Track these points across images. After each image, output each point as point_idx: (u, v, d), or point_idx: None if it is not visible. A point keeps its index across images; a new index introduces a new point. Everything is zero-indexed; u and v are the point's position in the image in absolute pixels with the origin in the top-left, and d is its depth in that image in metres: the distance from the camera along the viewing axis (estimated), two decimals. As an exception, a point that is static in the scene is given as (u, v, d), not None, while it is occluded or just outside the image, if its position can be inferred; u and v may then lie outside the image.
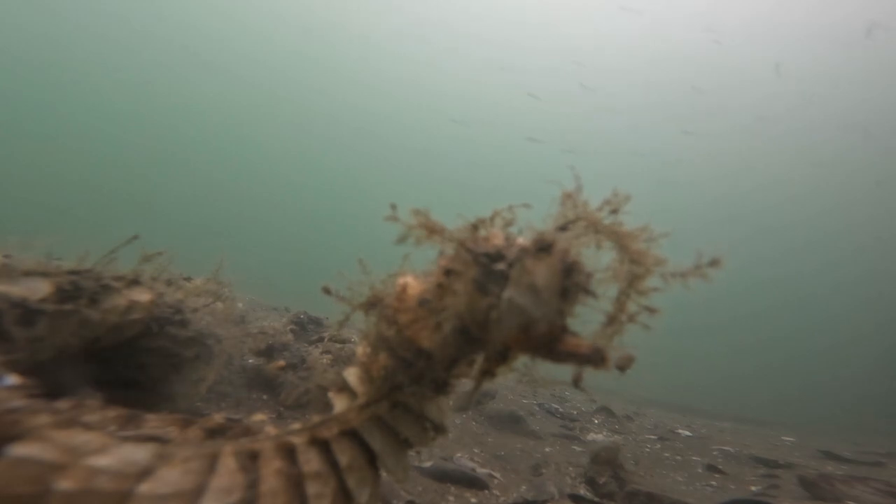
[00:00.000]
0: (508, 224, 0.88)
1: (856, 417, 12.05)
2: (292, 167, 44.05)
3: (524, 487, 2.55)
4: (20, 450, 0.77)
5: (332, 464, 0.93)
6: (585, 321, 0.82)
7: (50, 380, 1.04)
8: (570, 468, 3.02)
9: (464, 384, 0.99)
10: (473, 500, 2.28)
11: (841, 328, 34.09)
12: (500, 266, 0.80)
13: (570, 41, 32.34)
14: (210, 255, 2.51)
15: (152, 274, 1.89)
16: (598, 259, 0.80)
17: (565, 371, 0.82)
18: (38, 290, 1.44)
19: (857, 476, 2.95)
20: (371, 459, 0.98)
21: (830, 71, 27.30)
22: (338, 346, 3.11)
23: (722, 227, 35.02)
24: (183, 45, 35.85)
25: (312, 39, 36.25)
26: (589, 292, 0.79)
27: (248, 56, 36.92)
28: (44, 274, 1.51)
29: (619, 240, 0.80)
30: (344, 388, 1.06)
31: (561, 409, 5.03)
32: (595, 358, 0.78)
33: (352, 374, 1.06)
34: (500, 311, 0.79)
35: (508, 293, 0.78)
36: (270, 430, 0.98)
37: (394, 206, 0.89)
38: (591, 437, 4.22)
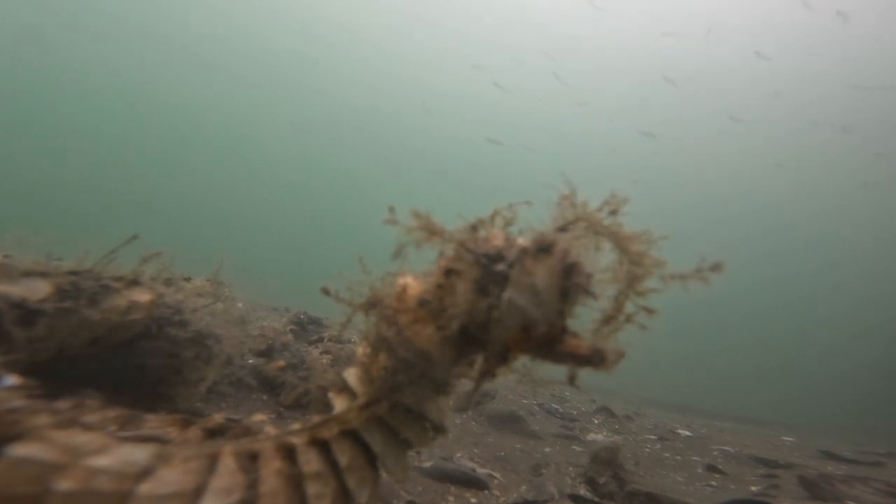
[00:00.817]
0: (508, 224, 0.88)
1: (856, 417, 12.06)
2: (292, 167, 44.06)
3: (524, 487, 2.55)
4: (20, 450, 0.77)
5: (332, 464, 0.93)
6: (584, 321, 0.82)
7: (50, 380, 1.04)
8: (570, 468, 3.02)
9: (464, 384, 0.99)
10: (473, 500, 2.28)
11: (841, 328, 34.11)
12: (501, 267, 0.80)
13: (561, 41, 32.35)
14: (210, 255, 2.51)
15: (152, 274, 1.89)
16: (597, 260, 0.80)
17: (565, 371, 0.83)
18: (38, 290, 1.44)
19: (857, 476, 2.94)
20: (371, 460, 0.98)
21: (811, 71, 27.34)
22: (338, 346, 3.11)
23: (722, 227, 35.06)
24: (183, 45, 35.87)
25: (312, 39, 36.25)
26: (589, 293, 0.79)
27: (247, 56, 36.94)
28: (44, 274, 1.51)
29: (619, 241, 0.80)
30: (344, 388, 1.06)
31: (561, 409, 5.02)
32: (595, 358, 0.78)
33: (352, 375, 1.06)
34: (500, 311, 0.79)
35: (508, 294, 0.78)
36: (270, 430, 0.98)
37: (392, 209, 0.89)
38: (591, 437, 4.22)
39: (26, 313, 1.39)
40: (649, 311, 0.79)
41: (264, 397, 2.86)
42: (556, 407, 5.06)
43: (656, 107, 30.67)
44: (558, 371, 0.82)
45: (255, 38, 36.12)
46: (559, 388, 6.14)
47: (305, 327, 3.93)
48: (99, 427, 0.90)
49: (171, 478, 0.80)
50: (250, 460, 0.88)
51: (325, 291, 1.02)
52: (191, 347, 2.01)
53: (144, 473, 0.79)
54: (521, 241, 0.83)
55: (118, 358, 1.82)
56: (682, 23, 27.59)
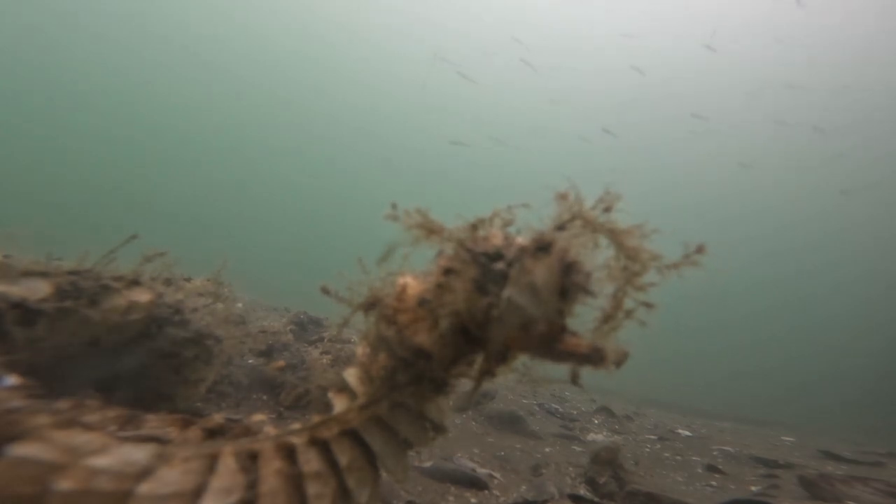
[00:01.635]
0: (507, 224, 0.88)
1: (856, 417, 12.05)
2: (292, 167, 44.05)
3: (524, 487, 2.55)
4: (20, 450, 0.77)
5: (332, 464, 0.93)
6: (584, 319, 0.82)
7: (50, 380, 1.04)
8: (570, 468, 3.02)
9: (464, 384, 0.98)
10: (473, 500, 2.28)
11: (840, 328, 34.10)
12: (500, 266, 0.80)
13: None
14: (210, 255, 2.51)
15: (152, 274, 1.89)
16: (594, 257, 0.80)
17: (564, 370, 0.83)
18: (37, 290, 1.44)
19: (857, 476, 2.94)
20: (371, 459, 0.98)
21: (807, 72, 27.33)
22: (337, 346, 3.11)
23: (722, 227, 35.05)
24: (183, 45, 35.89)
25: (312, 39, 36.27)
26: (588, 291, 0.79)
27: (247, 56, 36.94)
28: (43, 274, 1.51)
29: (616, 237, 0.80)
30: (344, 388, 1.06)
31: (561, 409, 5.02)
32: (595, 357, 0.78)
33: (351, 375, 1.06)
34: (499, 310, 0.79)
35: (508, 293, 0.78)
36: (270, 430, 0.98)
37: (394, 205, 0.89)
38: (591, 437, 4.22)
39: (26, 313, 1.39)
40: (648, 305, 0.80)
41: (264, 397, 2.86)
42: (556, 407, 5.06)
43: (658, 107, 30.68)
44: (558, 370, 0.82)
45: (255, 39, 36.14)
46: (559, 388, 6.14)
47: (305, 327, 3.93)
48: (99, 427, 0.90)
49: (171, 478, 0.80)
50: (250, 460, 0.88)
51: (325, 291, 1.02)
52: (191, 347, 2.00)
53: (144, 473, 0.79)
54: (520, 240, 0.83)
55: (118, 358, 1.82)
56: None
